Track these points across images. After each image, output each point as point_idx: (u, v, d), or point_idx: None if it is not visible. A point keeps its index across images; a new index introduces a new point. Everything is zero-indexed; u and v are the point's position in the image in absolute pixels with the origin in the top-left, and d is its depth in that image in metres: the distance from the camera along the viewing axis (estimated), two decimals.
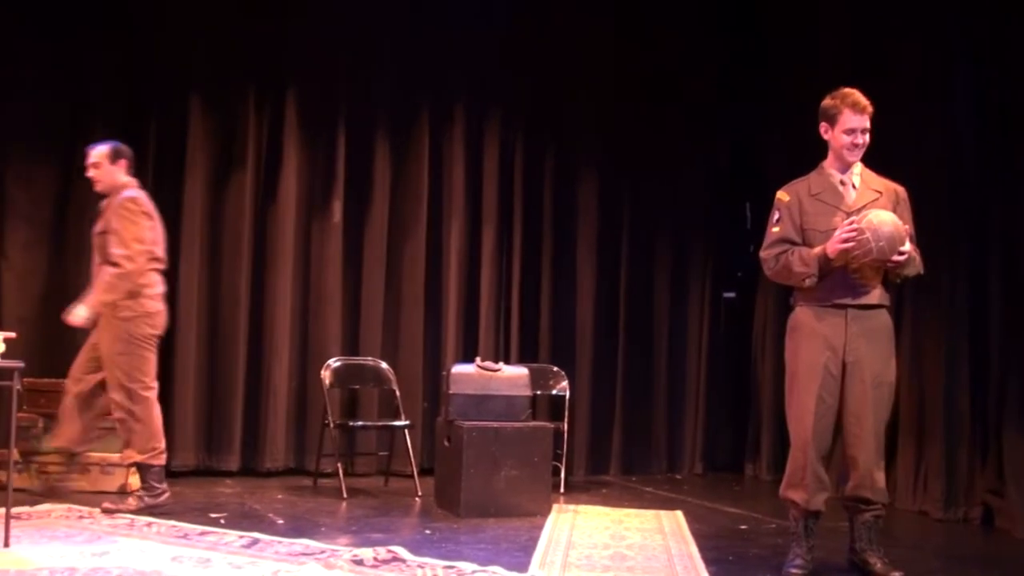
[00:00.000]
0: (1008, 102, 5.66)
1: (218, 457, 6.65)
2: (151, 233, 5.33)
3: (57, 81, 6.43)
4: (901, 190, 4.31)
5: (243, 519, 5.09)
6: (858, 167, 4.29)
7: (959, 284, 5.82)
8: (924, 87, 6.01)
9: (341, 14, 6.89)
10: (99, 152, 5.37)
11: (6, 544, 4.24)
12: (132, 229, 5.22)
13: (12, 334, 4.65)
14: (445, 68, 7.18)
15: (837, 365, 4.15)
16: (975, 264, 5.80)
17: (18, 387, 4.54)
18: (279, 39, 6.84)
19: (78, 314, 5.13)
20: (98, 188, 5.40)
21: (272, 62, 6.85)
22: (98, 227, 5.35)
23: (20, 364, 4.45)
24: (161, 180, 6.57)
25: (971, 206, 5.81)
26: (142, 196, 5.38)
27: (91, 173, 5.40)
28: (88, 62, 6.48)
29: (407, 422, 6.42)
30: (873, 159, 4.34)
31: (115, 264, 5.16)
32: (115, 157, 5.39)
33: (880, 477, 4.19)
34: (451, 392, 5.81)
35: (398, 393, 6.61)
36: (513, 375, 5.98)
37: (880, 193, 4.24)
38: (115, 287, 5.14)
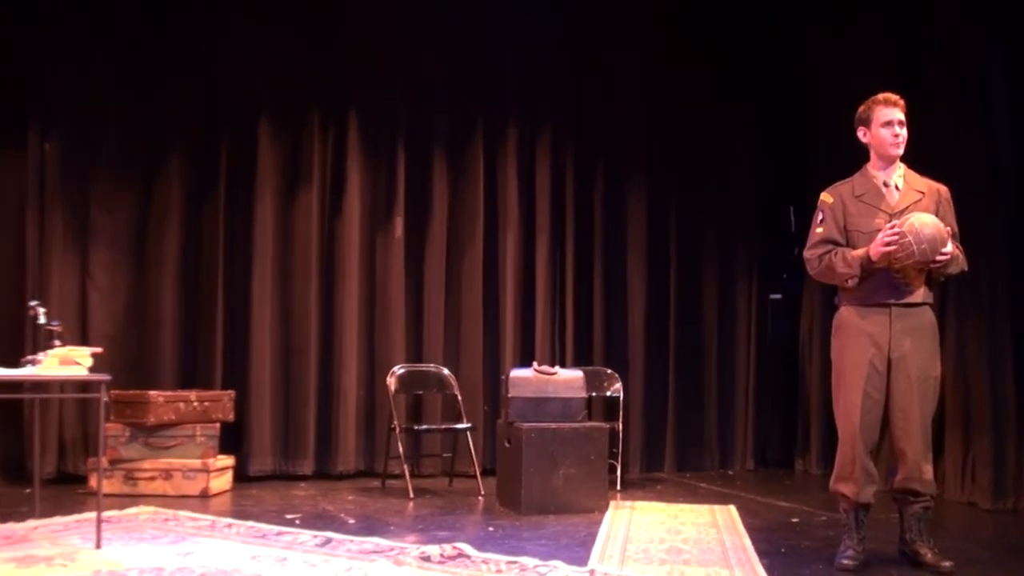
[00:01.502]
0: None
1: (293, 462, 6.70)
2: None
3: (136, 114, 6.53)
4: (944, 190, 4.21)
5: (317, 519, 5.11)
6: (900, 168, 4.20)
7: (999, 280, 5.71)
8: (961, 89, 5.89)
9: (398, 41, 6.93)
10: None
11: (98, 546, 4.28)
12: None
13: (99, 349, 4.72)
14: (497, 89, 7.20)
15: (883, 361, 4.07)
16: (1015, 260, 5.68)
17: (105, 399, 4.60)
18: (340, 67, 6.90)
19: None
20: None
21: (334, 88, 6.90)
22: None
23: (107, 377, 4.51)
24: (233, 201, 6.69)
25: (1009, 204, 5.68)
26: None
27: None
28: (164, 96, 6.57)
29: (469, 425, 6.43)
30: (914, 160, 4.26)
31: None
32: None
33: (928, 469, 4.10)
34: (510, 395, 5.80)
35: (460, 397, 6.62)
36: (569, 378, 5.95)
37: (923, 194, 4.15)
38: None
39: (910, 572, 4.03)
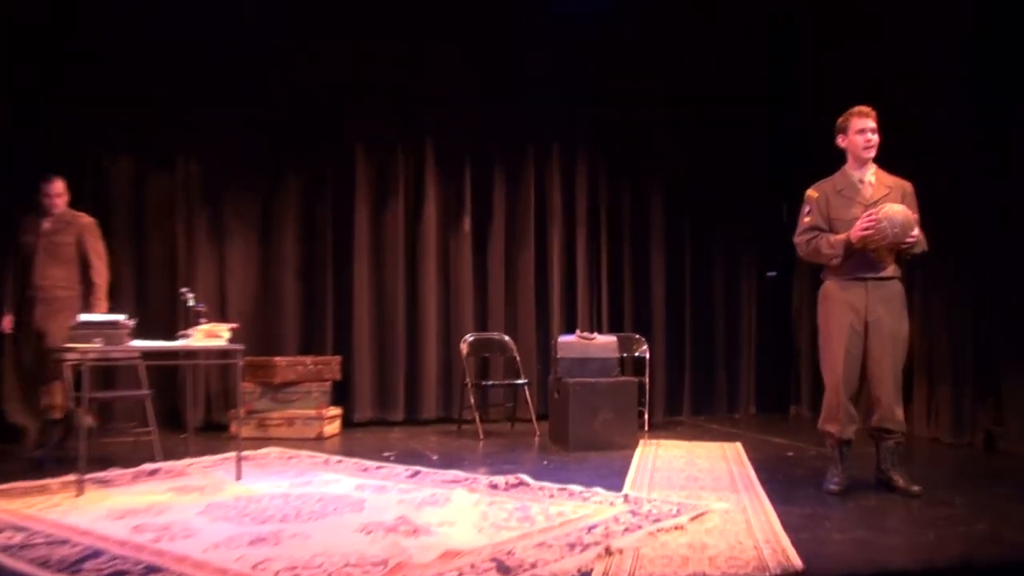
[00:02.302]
0: (1003, 112, 5.38)
1: (388, 411, 6.77)
2: None
3: (260, 143, 6.60)
4: (908, 185, 4.14)
5: (407, 456, 5.16)
6: (872, 167, 4.13)
7: (962, 257, 5.58)
8: (928, 104, 5.73)
9: (465, 85, 6.93)
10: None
11: (238, 478, 4.39)
12: None
13: (235, 325, 4.82)
14: (543, 115, 7.13)
15: (860, 324, 4.02)
16: (971, 242, 5.54)
17: (241, 364, 4.70)
18: (419, 106, 6.89)
19: None
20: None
21: (414, 123, 6.90)
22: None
23: (242, 347, 4.62)
24: (337, 210, 6.75)
25: (972, 193, 5.53)
26: None
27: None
28: (283, 129, 6.62)
29: (526, 380, 6.44)
30: (888, 160, 4.18)
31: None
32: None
33: (899, 411, 4.05)
34: (558, 356, 5.82)
35: (518, 359, 6.63)
36: (605, 342, 5.94)
37: (891, 188, 4.09)
38: None
39: (886, 495, 3.98)
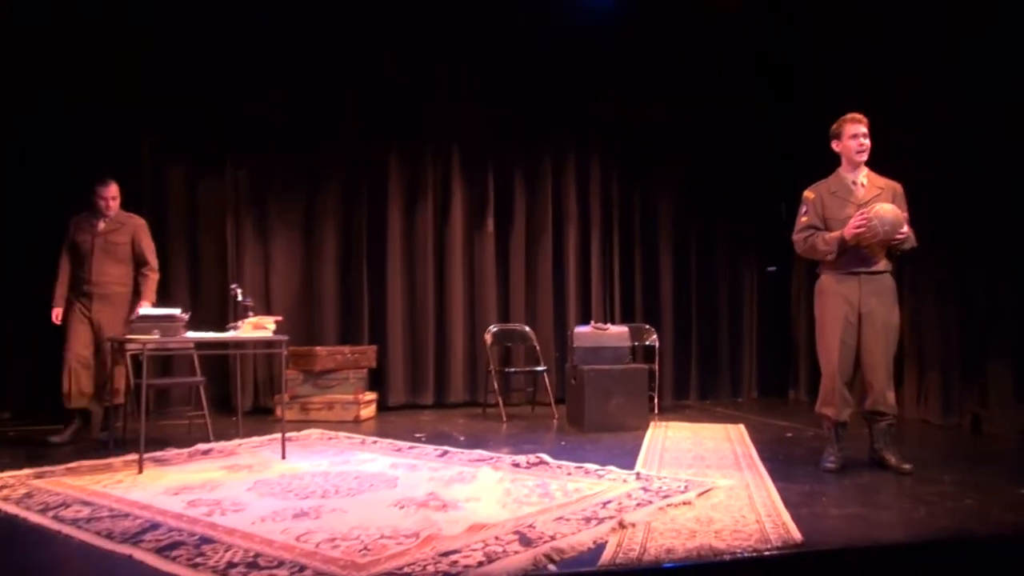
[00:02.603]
0: (986, 118, 5.28)
1: (419, 395, 6.77)
2: None
3: (302, 148, 6.59)
4: (898, 186, 4.08)
5: (437, 437, 5.16)
6: (864, 170, 4.08)
7: (949, 254, 5.48)
8: (911, 114, 5.63)
9: (488, 97, 6.89)
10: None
11: (283, 457, 4.41)
12: None
13: (279, 318, 4.83)
14: (560, 125, 7.09)
15: (854, 316, 3.98)
16: (957, 239, 5.45)
17: (285, 353, 4.72)
18: (447, 116, 6.86)
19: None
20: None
21: (443, 131, 6.88)
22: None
23: (286, 337, 4.62)
24: (372, 211, 6.74)
25: (960, 190, 5.43)
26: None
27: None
28: (322, 136, 6.62)
29: (545, 368, 6.42)
30: (882, 160, 4.12)
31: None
32: None
33: (891, 395, 3.99)
34: (575, 345, 5.77)
35: (538, 347, 6.60)
36: (618, 332, 5.89)
37: (882, 189, 4.03)
38: None
39: (879, 473, 3.92)
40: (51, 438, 4.91)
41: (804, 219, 4.13)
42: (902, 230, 3.86)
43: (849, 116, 4.06)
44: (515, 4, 6.83)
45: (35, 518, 3.16)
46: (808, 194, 4.17)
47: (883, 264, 3.99)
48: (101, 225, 5.08)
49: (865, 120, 4.04)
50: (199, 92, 6.25)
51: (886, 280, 4.02)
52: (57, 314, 5.02)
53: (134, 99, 6.10)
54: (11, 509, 3.30)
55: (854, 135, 4.02)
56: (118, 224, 5.12)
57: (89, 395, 4.95)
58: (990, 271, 5.27)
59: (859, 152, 4.02)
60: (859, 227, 3.85)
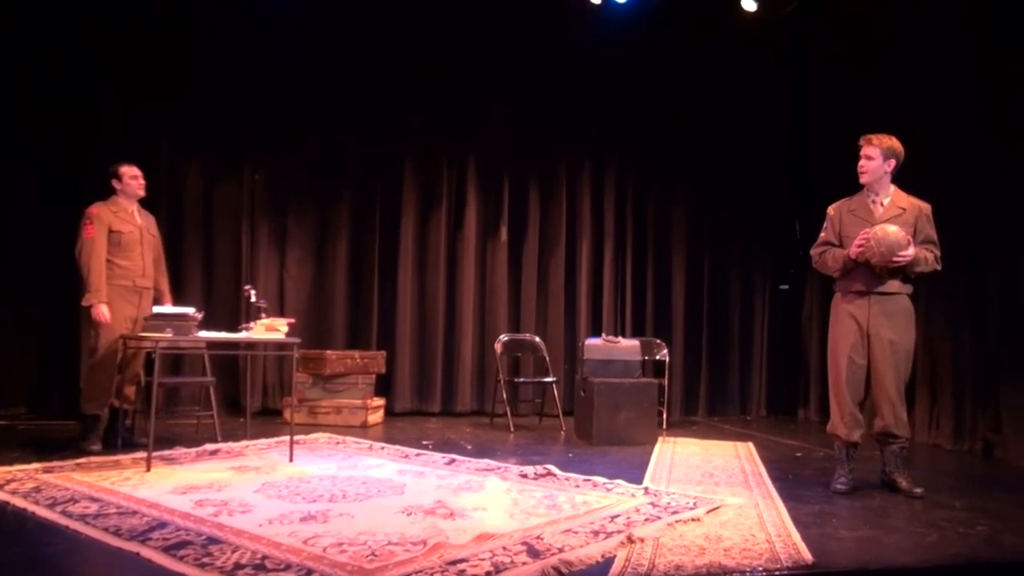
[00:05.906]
0: (1007, 136, 5.25)
1: (426, 403, 6.76)
2: None
3: (318, 155, 6.63)
4: (926, 206, 4.02)
5: (444, 445, 5.15)
6: (891, 188, 4.04)
7: (961, 276, 5.44)
8: (928, 140, 5.60)
9: (504, 108, 6.92)
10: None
11: (290, 460, 4.41)
12: None
13: (291, 320, 4.82)
14: (575, 137, 7.12)
15: (863, 336, 3.95)
16: (975, 260, 5.42)
17: (296, 356, 4.72)
18: (461, 127, 6.89)
19: None
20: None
21: (457, 141, 6.90)
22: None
23: (297, 340, 4.62)
24: (386, 218, 6.77)
25: (972, 216, 5.40)
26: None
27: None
28: (338, 144, 6.66)
29: (554, 379, 6.39)
30: (907, 182, 4.10)
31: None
32: None
33: (903, 417, 3.95)
34: (585, 358, 5.76)
35: (547, 358, 6.59)
36: (628, 345, 5.88)
37: (904, 209, 3.98)
38: None
39: (890, 496, 3.89)
40: (88, 446, 4.53)
41: (823, 235, 4.15)
42: (902, 253, 3.80)
43: (862, 137, 4.05)
44: (534, 16, 6.85)
45: (43, 512, 3.17)
46: (830, 210, 4.17)
47: (896, 285, 3.94)
48: (139, 218, 4.80)
49: (871, 139, 3.99)
50: (220, 94, 6.29)
51: (900, 301, 3.97)
52: (105, 311, 4.56)
53: (155, 95, 6.12)
54: (19, 503, 3.30)
55: (858, 156, 4.03)
56: (148, 218, 4.92)
57: (119, 393, 4.83)
58: (1004, 293, 5.23)
59: (860, 173, 4.02)
60: (859, 247, 3.85)
